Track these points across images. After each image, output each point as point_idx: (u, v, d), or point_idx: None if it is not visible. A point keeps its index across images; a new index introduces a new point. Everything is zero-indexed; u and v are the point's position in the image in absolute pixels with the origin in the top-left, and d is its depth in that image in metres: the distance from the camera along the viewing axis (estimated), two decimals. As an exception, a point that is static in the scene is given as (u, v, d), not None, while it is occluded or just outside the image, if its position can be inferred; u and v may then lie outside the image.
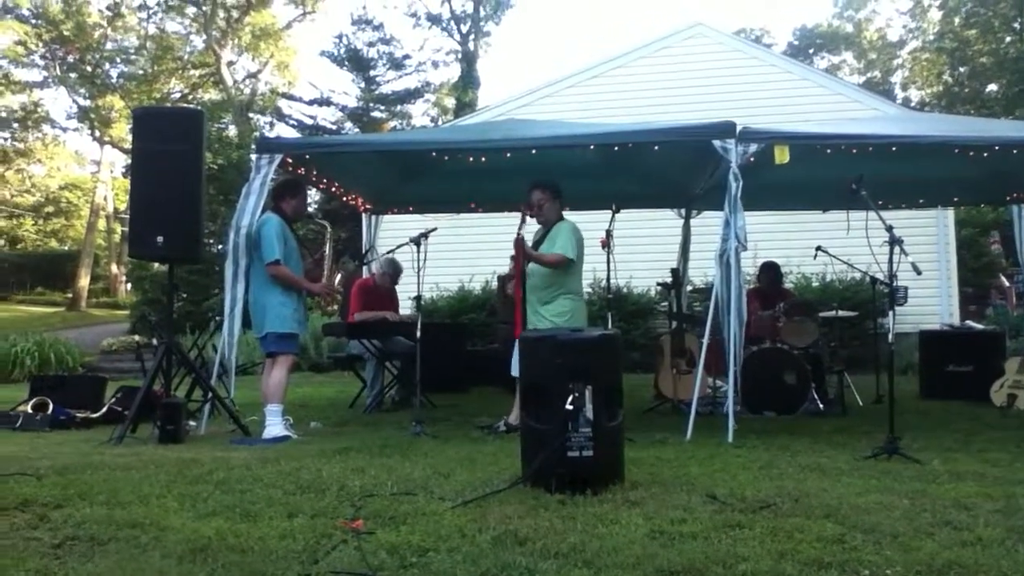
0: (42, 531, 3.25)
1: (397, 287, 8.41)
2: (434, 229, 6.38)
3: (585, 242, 6.35)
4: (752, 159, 5.97)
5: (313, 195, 22.87)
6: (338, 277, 6.48)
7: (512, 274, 6.51)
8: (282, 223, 6.12)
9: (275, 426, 5.88)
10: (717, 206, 6.24)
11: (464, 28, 32.22)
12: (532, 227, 6.51)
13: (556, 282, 6.24)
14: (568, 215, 6.67)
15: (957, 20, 32.13)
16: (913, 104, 32.18)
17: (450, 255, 11.86)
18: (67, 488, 3.91)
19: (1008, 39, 30.28)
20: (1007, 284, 15.04)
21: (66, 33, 28.26)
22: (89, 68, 30.02)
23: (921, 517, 3.38)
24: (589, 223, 6.72)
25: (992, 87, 31.47)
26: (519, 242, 6.19)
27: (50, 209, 39.97)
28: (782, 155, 5.92)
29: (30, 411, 6.90)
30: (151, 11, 30.77)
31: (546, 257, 6.21)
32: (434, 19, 32.35)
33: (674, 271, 7.98)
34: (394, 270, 8.19)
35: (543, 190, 6.35)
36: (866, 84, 33.22)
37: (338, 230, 6.59)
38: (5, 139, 32.97)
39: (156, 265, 16.56)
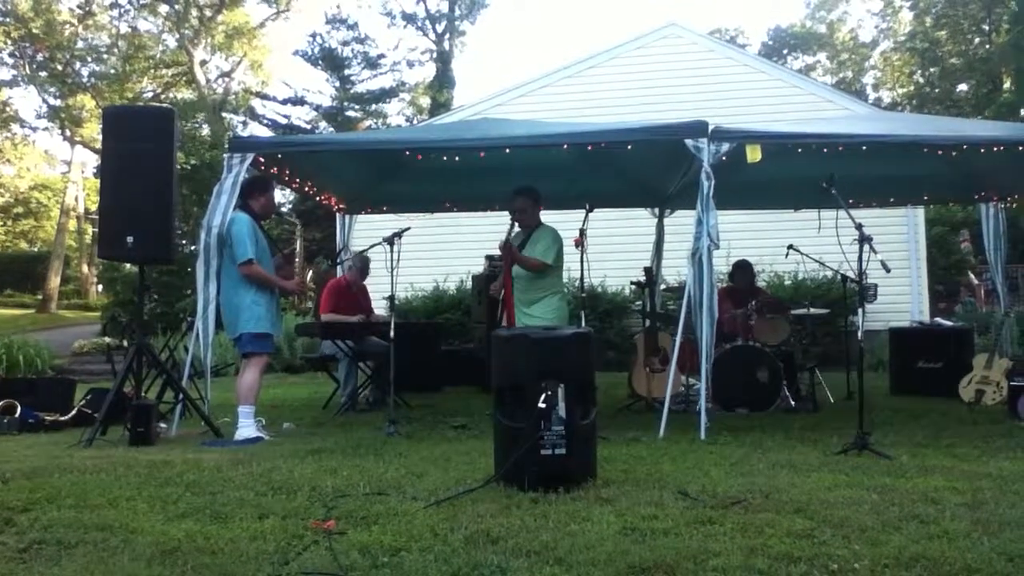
0: (8, 535, 3.21)
1: (372, 286, 8.37)
2: (408, 228, 6.37)
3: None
4: (724, 158, 6.00)
5: (287, 195, 22.80)
6: (309, 274, 6.43)
7: (496, 274, 6.63)
8: (252, 221, 6.07)
9: (247, 427, 5.84)
10: (690, 205, 6.27)
11: (439, 28, 32.22)
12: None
13: (540, 284, 6.49)
14: (543, 214, 6.73)
15: (928, 21, 32.56)
16: (884, 104, 32.57)
17: (424, 254, 11.84)
18: (34, 491, 3.87)
19: (977, 40, 30.74)
20: (976, 282, 15.27)
21: (35, 31, 27.86)
22: (59, 67, 29.63)
23: (889, 511, 3.42)
24: (563, 222, 6.75)
25: (962, 87, 31.95)
26: (507, 246, 6.42)
27: (20, 210, 39.44)
28: (754, 154, 5.96)
29: (-2, 414, 6.80)
30: (123, 9, 30.47)
31: (530, 261, 6.45)
32: (409, 18, 32.33)
33: (647, 270, 8.00)
34: (361, 264, 8.14)
35: (525, 197, 6.58)
36: (838, 84, 33.58)
37: (312, 230, 6.55)
38: (-26, 139, 32.53)
39: (127, 266, 16.38)
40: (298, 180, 7.67)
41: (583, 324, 6.30)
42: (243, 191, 6.30)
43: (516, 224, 6.55)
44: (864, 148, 6.54)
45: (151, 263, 6.94)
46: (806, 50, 40.05)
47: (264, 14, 32.26)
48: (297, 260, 6.31)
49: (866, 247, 5.09)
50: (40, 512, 3.51)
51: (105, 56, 31.12)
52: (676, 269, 9.70)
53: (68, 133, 31.20)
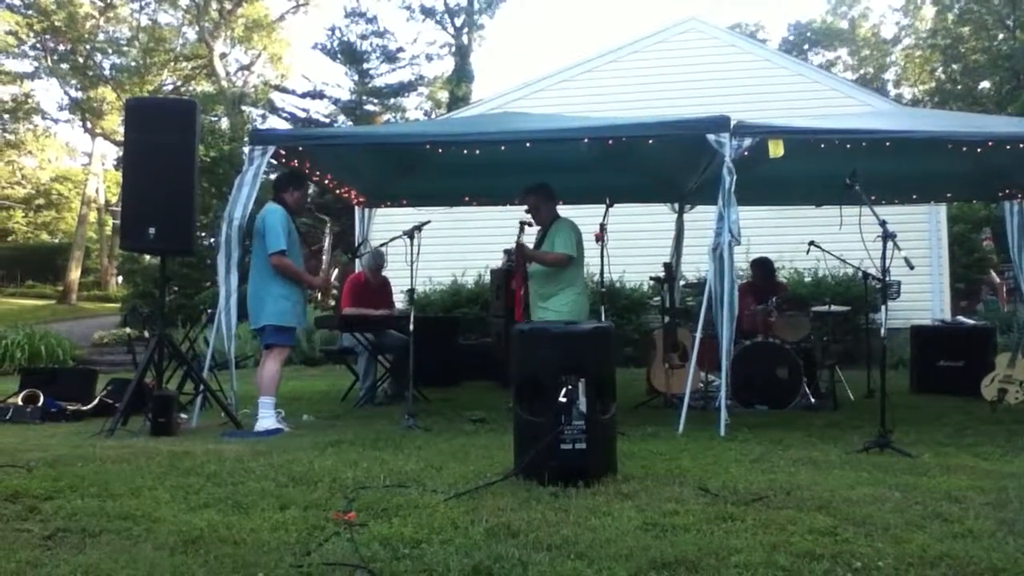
0: (32, 523, 3.24)
1: (391, 280, 8.39)
2: (427, 222, 6.38)
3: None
4: (746, 153, 5.97)
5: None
6: (335, 272, 6.44)
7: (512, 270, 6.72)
8: (286, 214, 6.09)
9: (267, 419, 5.86)
10: (711, 200, 6.24)
11: (458, 21, 32.14)
12: (530, 232, 6.69)
13: (557, 277, 6.47)
14: (562, 209, 6.75)
15: (950, 17, 32.23)
16: (905, 101, 32.27)
17: (443, 248, 11.81)
18: (58, 480, 3.90)
19: (1001, 36, 30.39)
20: (998, 280, 15.11)
21: (58, 24, 28.06)
22: (81, 59, 29.84)
23: (912, 510, 3.39)
24: (583, 217, 6.74)
25: (985, 84, 31.59)
26: (519, 249, 6.50)
27: (41, 201, 39.79)
28: (776, 149, 5.92)
29: (21, 403, 6.87)
30: (143, 2, 30.67)
31: (548, 256, 6.47)
32: (428, 12, 32.24)
33: (667, 265, 7.97)
34: (375, 261, 8.14)
35: (536, 194, 6.60)
36: (859, 80, 33.28)
37: (331, 223, 6.56)
38: (-4, 131, 32.83)
39: (147, 258, 16.53)
40: (318, 173, 7.70)
41: (603, 319, 6.30)
42: (277, 184, 6.35)
43: (524, 228, 6.57)
44: (887, 144, 6.49)
45: (172, 254, 7.00)
46: (827, 46, 39.76)
47: (283, 7, 32.57)
48: (325, 257, 6.30)
49: (889, 244, 5.04)
50: (64, 500, 3.54)
51: (126, 49, 31.32)
52: (696, 265, 9.65)
53: (89, 125, 31.41)
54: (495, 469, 4.17)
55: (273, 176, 7.51)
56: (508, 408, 5.55)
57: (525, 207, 6.67)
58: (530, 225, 6.62)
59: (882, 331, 5.31)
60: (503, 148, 6.86)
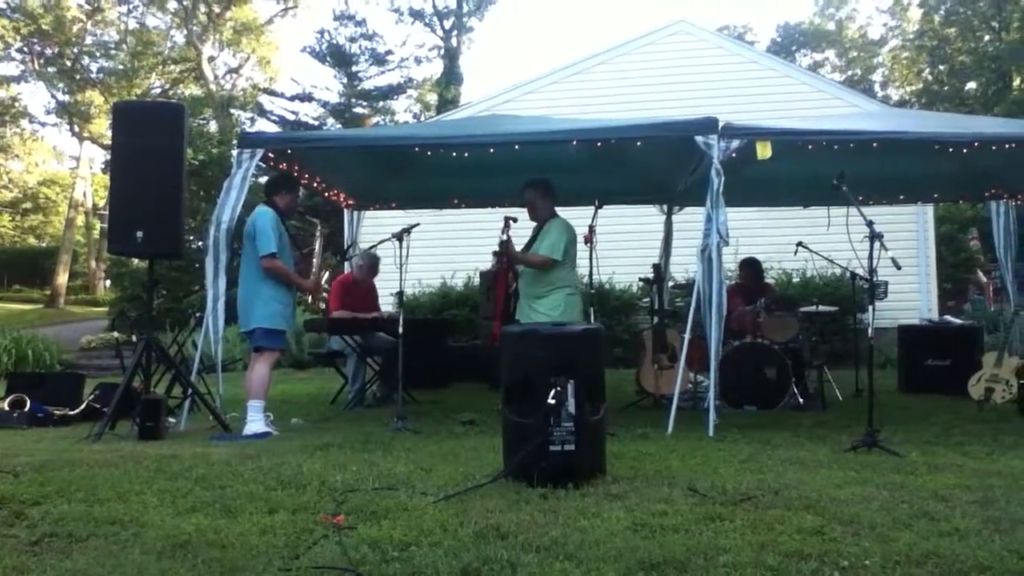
0: (19, 528, 3.22)
1: (379, 283, 8.38)
2: (416, 225, 6.37)
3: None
4: (734, 155, 5.99)
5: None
6: (326, 275, 6.44)
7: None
8: (276, 217, 6.09)
9: (256, 422, 5.84)
10: (699, 202, 6.25)
11: (447, 24, 32.16)
12: (517, 230, 6.63)
13: (549, 278, 6.43)
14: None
15: (937, 19, 32.42)
16: (892, 102, 32.43)
17: (432, 251, 11.79)
18: (45, 485, 3.88)
19: (987, 37, 30.60)
20: (985, 280, 15.20)
21: (45, 27, 27.96)
22: (68, 63, 29.75)
23: (899, 508, 3.40)
24: (573, 219, 6.75)
25: (971, 85, 31.79)
26: (504, 245, 6.45)
27: (28, 205, 39.60)
28: (764, 151, 5.95)
29: (7, 408, 6.82)
30: (131, 5, 30.60)
31: (532, 259, 6.44)
32: (417, 15, 32.26)
33: (656, 267, 7.99)
34: (370, 262, 8.13)
35: (535, 188, 6.57)
36: (847, 82, 33.42)
37: (320, 226, 6.57)
38: (-18, 135, 32.67)
39: (135, 262, 16.45)
40: (307, 176, 7.68)
41: (592, 320, 6.31)
42: (269, 187, 6.35)
43: (509, 223, 6.54)
44: (875, 145, 6.51)
45: (160, 258, 6.96)
46: (815, 47, 39.93)
47: (272, 10, 32.47)
48: (316, 260, 6.30)
49: (876, 244, 5.06)
50: (51, 506, 3.52)
51: (113, 52, 31.26)
52: (684, 266, 9.68)
53: (76, 129, 31.31)
54: (484, 471, 4.17)
55: (262, 179, 7.50)
56: (498, 410, 5.55)
57: (523, 202, 6.64)
58: (515, 221, 6.59)
59: (870, 331, 5.33)
60: (492, 151, 6.86)
